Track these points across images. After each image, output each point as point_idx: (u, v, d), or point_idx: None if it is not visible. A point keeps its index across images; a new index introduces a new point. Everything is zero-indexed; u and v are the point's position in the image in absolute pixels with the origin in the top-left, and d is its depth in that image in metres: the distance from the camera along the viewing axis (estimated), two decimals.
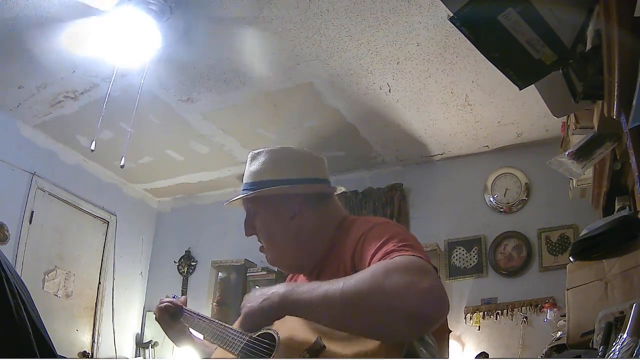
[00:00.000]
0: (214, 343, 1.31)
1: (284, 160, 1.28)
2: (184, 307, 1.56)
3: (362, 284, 0.90)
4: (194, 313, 1.49)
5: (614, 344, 1.31)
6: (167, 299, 1.59)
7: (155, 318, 1.57)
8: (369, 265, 1.02)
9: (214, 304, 4.51)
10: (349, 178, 4.35)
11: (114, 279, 4.62)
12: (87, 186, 4.51)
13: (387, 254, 0.99)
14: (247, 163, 1.32)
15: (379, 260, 0.99)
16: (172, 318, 1.54)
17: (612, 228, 1.83)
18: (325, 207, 1.29)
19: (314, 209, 1.27)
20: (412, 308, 0.85)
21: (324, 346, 0.97)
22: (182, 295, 3.97)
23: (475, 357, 3.41)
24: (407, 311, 0.85)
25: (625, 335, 1.26)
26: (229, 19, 2.89)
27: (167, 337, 1.59)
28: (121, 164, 3.13)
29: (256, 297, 1.06)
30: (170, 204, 5.29)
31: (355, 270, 1.08)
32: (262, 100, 3.65)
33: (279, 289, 1.03)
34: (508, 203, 4.02)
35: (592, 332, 1.63)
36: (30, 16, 2.86)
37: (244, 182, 1.30)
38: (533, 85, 1.62)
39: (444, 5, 1.57)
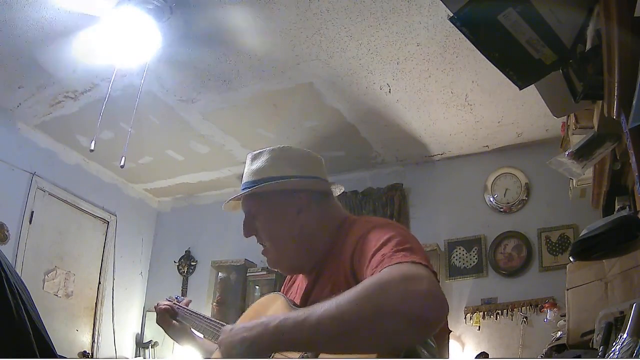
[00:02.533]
0: (215, 343, 1.32)
1: (287, 159, 1.28)
2: (183, 307, 1.57)
3: (355, 300, 0.87)
4: (194, 313, 1.50)
5: (614, 344, 1.31)
6: (166, 302, 1.59)
7: (156, 321, 1.59)
8: (368, 265, 1.02)
9: (214, 304, 4.51)
10: (349, 178, 4.34)
11: (114, 279, 4.62)
12: (87, 186, 4.51)
13: (385, 257, 0.98)
14: (247, 163, 1.31)
15: (378, 263, 0.98)
16: (170, 319, 1.56)
17: (612, 228, 1.83)
18: (328, 205, 1.29)
19: (319, 205, 1.27)
20: (410, 314, 0.84)
21: None
22: (181, 295, 3.98)
23: (475, 357, 3.41)
24: (406, 318, 0.84)
25: (625, 335, 1.26)
26: (228, 19, 2.89)
27: (168, 336, 1.60)
28: (121, 164, 3.12)
29: (236, 341, 0.96)
30: (170, 204, 5.29)
31: (353, 269, 1.08)
32: (262, 100, 3.65)
33: (265, 330, 0.93)
34: (508, 203, 4.02)
35: (592, 332, 1.63)
36: (30, 16, 2.86)
37: (243, 181, 1.30)
38: (533, 85, 1.62)
39: (444, 5, 1.57)
